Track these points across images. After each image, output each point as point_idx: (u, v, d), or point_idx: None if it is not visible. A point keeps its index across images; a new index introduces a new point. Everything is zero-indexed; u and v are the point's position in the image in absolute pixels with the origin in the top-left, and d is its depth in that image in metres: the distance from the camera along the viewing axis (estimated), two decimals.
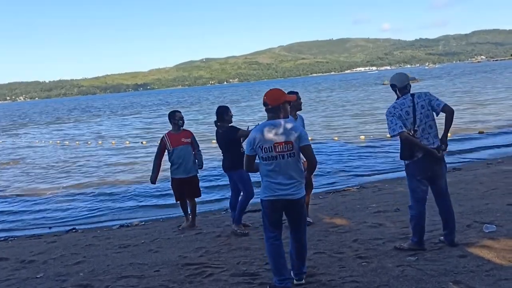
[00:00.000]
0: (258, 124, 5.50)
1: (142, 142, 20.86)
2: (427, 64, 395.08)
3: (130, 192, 11.22)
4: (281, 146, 3.72)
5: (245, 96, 76.05)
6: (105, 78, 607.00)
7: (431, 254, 4.38)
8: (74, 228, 8.25)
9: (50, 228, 8.71)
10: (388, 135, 4.57)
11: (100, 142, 22.62)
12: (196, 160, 6.68)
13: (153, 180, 6.66)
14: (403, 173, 4.64)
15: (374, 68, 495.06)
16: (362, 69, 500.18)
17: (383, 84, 64.63)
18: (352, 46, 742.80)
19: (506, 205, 5.90)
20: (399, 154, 4.48)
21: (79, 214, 9.77)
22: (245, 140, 3.80)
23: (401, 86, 4.45)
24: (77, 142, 23.69)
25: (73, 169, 15.55)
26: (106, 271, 5.02)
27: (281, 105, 3.82)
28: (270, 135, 3.75)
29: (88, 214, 9.72)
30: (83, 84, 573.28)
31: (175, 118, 6.63)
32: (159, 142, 6.72)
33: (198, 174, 6.77)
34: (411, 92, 4.46)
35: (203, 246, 5.68)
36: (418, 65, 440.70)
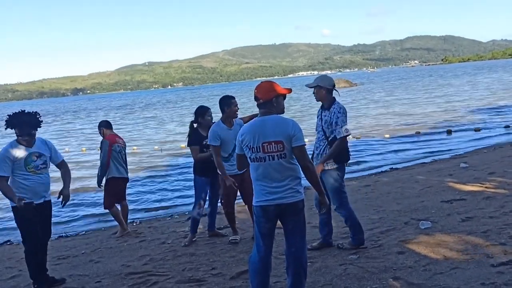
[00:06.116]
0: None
1: (82, 150, 20.15)
2: (367, 68, 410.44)
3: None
4: (270, 146, 3.29)
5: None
6: (41, 82, 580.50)
7: (371, 251, 4.55)
8: (9, 241, 7.76)
9: None
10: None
11: None
12: None
13: None
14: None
15: (315, 72, 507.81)
16: (305, 73, 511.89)
17: None
18: (294, 51, 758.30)
19: (440, 202, 6.24)
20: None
21: (13, 225, 9.19)
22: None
23: (330, 87, 4.54)
24: None
25: None
26: None
27: (274, 99, 3.38)
28: (258, 133, 3.32)
29: None
30: (18, 88, 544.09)
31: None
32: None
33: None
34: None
35: (147, 254, 5.54)
36: (356, 69, 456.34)
